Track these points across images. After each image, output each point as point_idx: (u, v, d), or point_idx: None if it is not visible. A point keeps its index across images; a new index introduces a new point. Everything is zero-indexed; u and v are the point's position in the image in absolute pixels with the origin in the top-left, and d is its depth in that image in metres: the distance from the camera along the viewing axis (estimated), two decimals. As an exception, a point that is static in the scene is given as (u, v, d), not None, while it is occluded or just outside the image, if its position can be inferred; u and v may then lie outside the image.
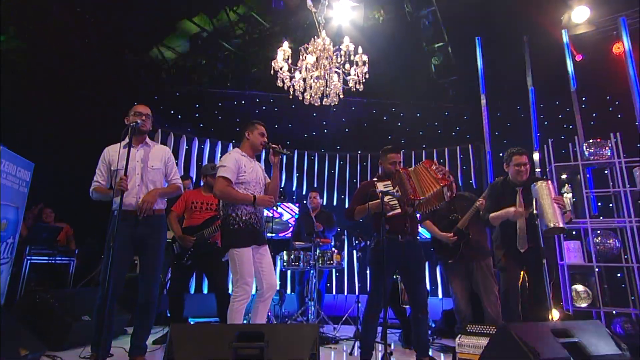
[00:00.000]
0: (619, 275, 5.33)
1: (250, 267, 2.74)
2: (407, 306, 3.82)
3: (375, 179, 3.15)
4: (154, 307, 2.71)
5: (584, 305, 4.65)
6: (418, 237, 3.05)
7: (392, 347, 2.58)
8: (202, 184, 4.09)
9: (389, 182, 2.97)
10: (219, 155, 6.25)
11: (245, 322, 2.94)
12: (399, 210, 2.84)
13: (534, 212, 2.95)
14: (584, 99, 6.06)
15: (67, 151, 5.47)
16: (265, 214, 3.01)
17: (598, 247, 4.78)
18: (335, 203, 6.48)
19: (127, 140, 2.65)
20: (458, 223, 3.79)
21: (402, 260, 2.89)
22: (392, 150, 3.09)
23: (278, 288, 5.25)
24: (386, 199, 2.83)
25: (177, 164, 5.85)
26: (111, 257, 2.29)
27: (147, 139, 2.90)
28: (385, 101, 6.78)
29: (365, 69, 3.65)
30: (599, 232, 4.87)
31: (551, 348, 1.95)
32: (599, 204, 5.74)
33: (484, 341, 2.73)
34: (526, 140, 6.05)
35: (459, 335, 2.85)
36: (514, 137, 6.29)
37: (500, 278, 3.25)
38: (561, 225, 2.87)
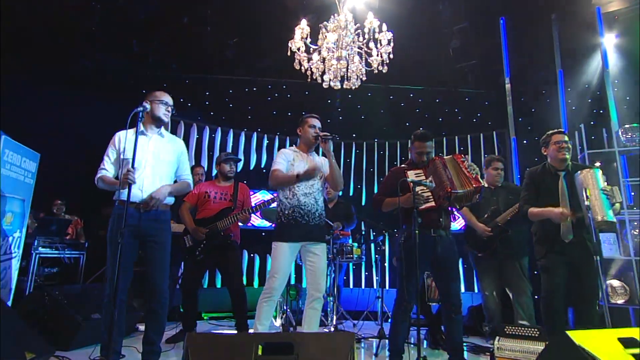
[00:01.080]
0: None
1: (282, 263, 2.66)
2: (434, 304, 3.59)
3: (404, 166, 2.88)
4: (165, 306, 2.50)
5: (620, 301, 4.37)
6: (451, 232, 2.78)
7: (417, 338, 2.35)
8: (214, 174, 3.88)
9: (421, 172, 2.70)
10: (231, 144, 6.02)
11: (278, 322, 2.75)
12: (432, 204, 2.58)
13: (583, 207, 2.64)
14: (616, 81, 5.67)
15: (76, 141, 5.29)
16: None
17: (636, 239, 4.48)
18: (351, 193, 6.23)
19: (140, 127, 2.47)
20: (498, 217, 3.53)
21: (434, 257, 2.64)
22: (418, 138, 2.81)
23: (293, 282, 5.14)
24: (418, 189, 2.58)
25: (188, 153, 5.69)
26: (120, 252, 2.10)
27: (163, 129, 2.67)
28: (402, 87, 6.46)
29: (390, 49, 3.35)
30: (635, 223, 4.56)
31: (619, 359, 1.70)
32: (633, 193, 5.41)
33: (526, 345, 2.50)
34: (553, 127, 5.69)
35: (498, 338, 2.60)
36: (540, 123, 5.94)
37: (542, 278, 2.96)
38: (609, 218, 2.59)
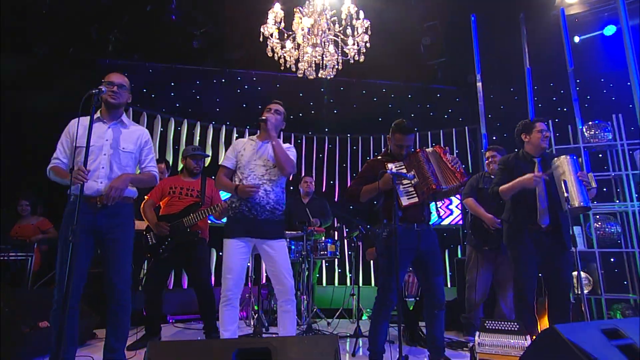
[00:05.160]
0: (612, 260, 5.24)
1: (232, 261, 2.47)
2: (410, 299, 3.53)
3: (380, 157, 2.76)
4: (126, 309, 2.26)
5: (585, 292, 4.51)
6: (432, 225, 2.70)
7: (396, 344, 2.25)
8: (179, 169, 3.63)
9: (402, 164, 2.59)
10: (198, 137, 5.73)
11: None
12: (416, 200, 2.47)
13: (560, 194, 2.64)
14: (577, 80, 5.87)
15: (31, 135, 4.83)
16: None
17: (598, 232, 4.64)
18: (324, 189, 6.11)
19: (97, 113, 2.25)
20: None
21: (417, 252, 2.55)
22: (400, 130, 2.61)
23: (264, 282, 4.94)
24: (400, 184, 2.48)
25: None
26: (71, 251, 1.85)
27: (124, 117, 2.43)
28: (375, 82, 6.40)
29: (367, 37, 3.24)
30: (598, 217, 4.73)
31: (608, 353, 1.66)
32: (595, 186, 5.60)
33: (506, 339, 2.46)
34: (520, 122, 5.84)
35: (478, 333, 2.55)
36: (508, 119, 6.06)
37: (513, 268, 2.93)
38: (585, 204, 2.61)
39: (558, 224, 2.77)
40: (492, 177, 3.66)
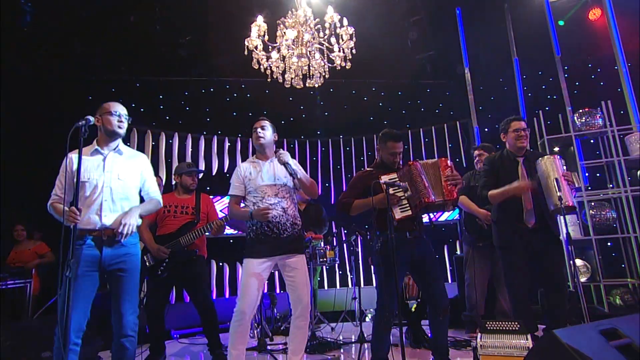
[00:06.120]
0: (609, 244, 5.28)
1: (251, 282, 2.47)
2: (412, 301, 3.55)
3: (371, 169, 2.76)
4: (135, 342, 2.25)
5: (583, 279, 4.55)
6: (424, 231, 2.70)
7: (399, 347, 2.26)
8: (174, 184, 3.60)
9: (395, 176, 2.58)
10: (190, 149, 5.70)
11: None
12: (409, 213, 2.46)
13: (546, 194, 2.66)
14: (565, 67, 5.88)
15: (23, 156, 4.80)
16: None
17: (594, 219, 4.67)
18: (320, 192, 6.08)
19: (95, 145, 2.28)
20: None
21: (412, 260, 2.56)
22: (392, 138, 2.64)
23: (266, 290, 4.95)
24: (392, 190, 2.47)
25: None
26: (68, 288, 1.85)
27: (121, 144, 2.40)
28: (364, 81, 6.39)
29: (352, 44, 3.22)
30: (593, 204, 4.76)
31: (607, 355, 1.68)
32: (587, 174, 5.65)
33: (507, 340, 2.48)
34: (511, 114, 5.85)
35: (480, 335, 2.57)
36: (499, 110, 6.07)
37: (504, 269, 2.95)
38: (571, 204, 2.63)
39: (545, 222, 2.79)
40: None
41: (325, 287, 5.63)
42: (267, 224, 2.50)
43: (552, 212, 2.73)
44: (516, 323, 2.58)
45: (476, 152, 3.84)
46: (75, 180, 2.14)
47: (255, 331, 4.16)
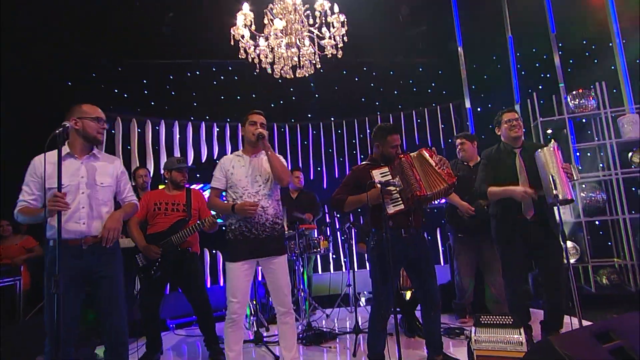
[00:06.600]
0: (597, 222, 5.37)
1: (237, 284, 2.46)
2: (405, 292, 3.58)
3: (367, 163, 2.70)
4: (126, 350, 2.24)
5: (572, 261, 4.64)
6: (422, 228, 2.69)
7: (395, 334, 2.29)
8: (162, 172, 3.50)
9: (387, 170, 2.54)
10: (178, 136, 5.54)
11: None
12: (401, 207, 2.44)
13: (545, 187, 2.64)
14: (560, 44, 5.76)
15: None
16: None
17: (585, 201, 4.72)
18: (312, 176, 6.04)
19: (67, 148, 2.16)
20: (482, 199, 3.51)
21: (407, 257, 2.56)
22: (391, 131, 2.58)
23: (260, 278, 4.97)
24: (385, 191, 2.43)
25: (129, 151, 5.16)
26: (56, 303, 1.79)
27: (95, 149, 2.29)
28: (355, 60, 6.20)
29: (344, 31, 3.08)
30: (584, 186, 4.79)
31: (598, 358, 1.71)
32: (578, 154, 5.67)
33: (501, 334, 2.52)
34: (505, 93, 5.78)
35: (474, 330, 2.61)
36: (493, 89, 5.99)
37: (502, 262, 2.97)
38: (570, 197, 2.62)
39: (544, 215, 2.80)
40: (465, 163, 3.70)
41: (320, 272, 5.67)
42: (246, 224, 2.47)
43: (550, 204, 2.74)
44: (509, 317, 2.62)
45: (458, 141, 3.81)
46: (45, 186, 2.06)
47: (251, 319, 4.20)
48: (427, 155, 2.52)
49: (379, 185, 2.39)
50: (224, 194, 2.66)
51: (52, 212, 1.94)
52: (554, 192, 2.51)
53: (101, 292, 2.19)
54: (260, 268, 2.67)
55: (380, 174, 2.52)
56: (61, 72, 5.03)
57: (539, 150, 2.76)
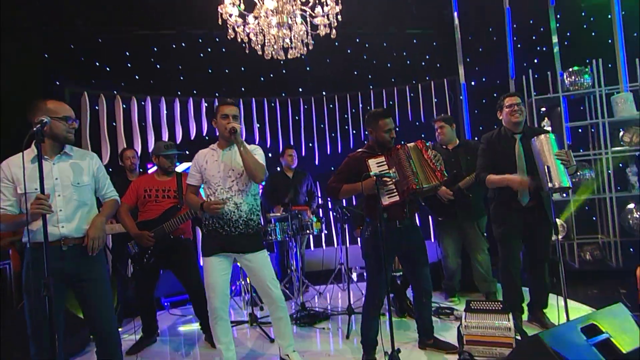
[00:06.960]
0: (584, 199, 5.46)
1: (214, 279, 2.47)
2: (397, 274, 3.66)
3: (364, 151, 2.65)
4: (117, 342, 2.24)
5: (559, 237, 4.77)
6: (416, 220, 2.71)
7: (387, 316, 2.37)
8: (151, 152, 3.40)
9: (383, 160, 2.50)
10: (165, 113, 5.36)
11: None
12: (397, 198, 2.42)
13: (541, 175, 2.65)
14: (557, 16, 5.60)
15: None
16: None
17: (574, 179, 4.77)
18: (303, 152, 5.97)
19: (34, 151, 2.00)
20: (460, 182, 3.52)
21: (401, 248, 2.59)
22: (382, 115, 2.53)
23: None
24: (381, 181, 2.41)
25: (115, 128, 4.98)
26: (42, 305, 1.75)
27: (66, 146, 2.16)
28: (347, 31, 5.95)
29: (338, 9, 2.92)
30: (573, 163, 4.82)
31: (584, 354, 1.79)
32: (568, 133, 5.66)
33: (490, 320, 2.61)
34: (499, 66, 5.66)
35: (464, 315, 2.70)
36: (487, 63, 5.87)
37: (499, 246, 3.04)
38: (564, 184, 2.63)
39: (540, 201, 2.83)
40: (444, 147, 3.70)
41: (312, 248, 5.74)
42: (218, 221, 2.45)
43: (546, 192, 2.77)
44: (499, 302, 2.71)
45: (437, 125, 3.78)
46: (20, 191, 1.97)
47: (243, 297, 4.27)
48: (422, 148, 2.48)
49: (373, 177, 2.37)
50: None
51: (35, 216, 1.86)
52: (549, 184, 2.52)
53: (88, 293, 2.14)
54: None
55: (377, 163, 2.49)
56: (37, 44, 4.73)
57: (535, 137, 2.75)
